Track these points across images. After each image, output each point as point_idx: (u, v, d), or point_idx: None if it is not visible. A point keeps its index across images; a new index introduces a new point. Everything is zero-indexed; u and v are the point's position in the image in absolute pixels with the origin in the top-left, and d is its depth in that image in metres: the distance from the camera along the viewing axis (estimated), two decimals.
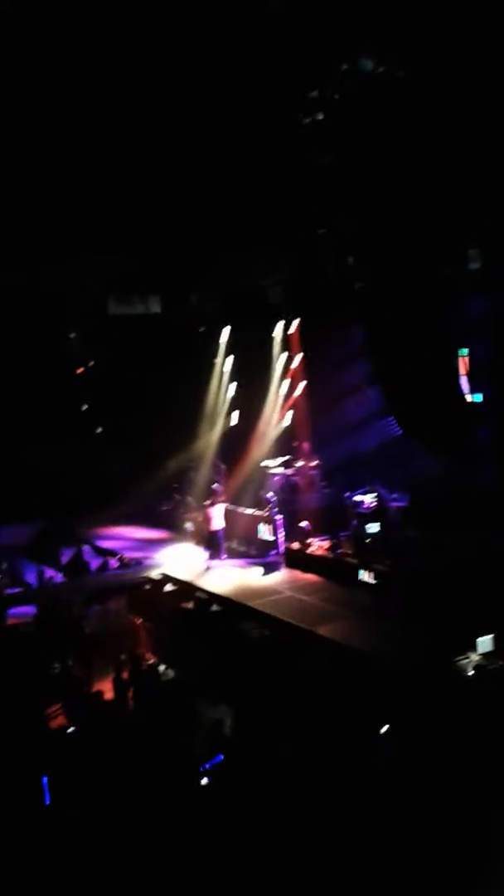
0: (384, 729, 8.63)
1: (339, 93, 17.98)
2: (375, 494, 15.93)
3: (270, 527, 17.46)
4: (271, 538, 17.41)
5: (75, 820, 7.26)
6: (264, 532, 17.58)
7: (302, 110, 18.78)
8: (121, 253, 20.91)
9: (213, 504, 18.28)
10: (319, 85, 18.03)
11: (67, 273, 21.14)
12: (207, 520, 18.34)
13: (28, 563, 19.37)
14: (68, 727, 10.37)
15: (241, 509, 18.60)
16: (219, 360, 22.54)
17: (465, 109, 15.83)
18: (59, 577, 18.52)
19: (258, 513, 18.10)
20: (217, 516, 18.22)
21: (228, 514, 18.60)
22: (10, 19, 12.83)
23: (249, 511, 18.48)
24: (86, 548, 19.53)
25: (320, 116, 18.91)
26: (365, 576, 14.58)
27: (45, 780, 7.49)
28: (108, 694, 11.46)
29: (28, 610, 16.06)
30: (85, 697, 11.61)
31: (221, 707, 10.75)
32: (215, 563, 17.84)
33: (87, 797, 7.65)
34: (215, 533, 18.22)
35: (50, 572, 18.47)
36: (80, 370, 24.62)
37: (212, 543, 18.28)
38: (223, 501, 18.82)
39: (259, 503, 18.36)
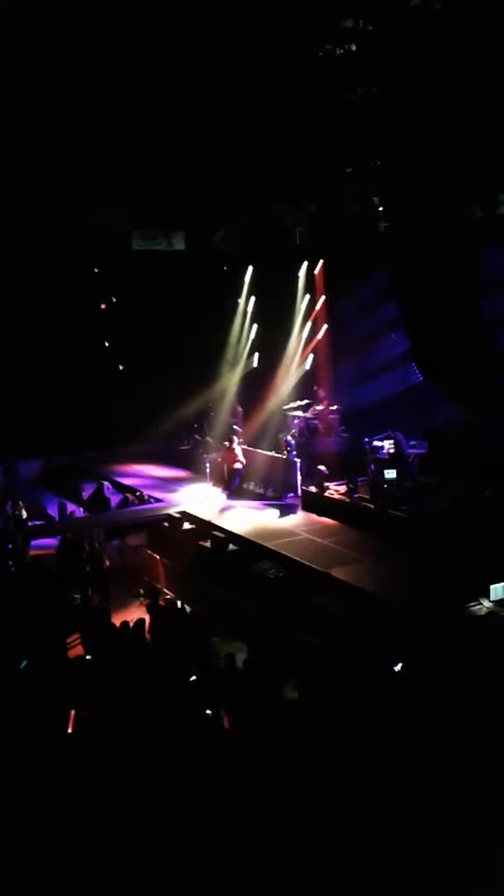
0: (398, 667, 8.89)
1: (373, 24, 17.37)
2: (393, 441, 15.99)
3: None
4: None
5: (93, 748, 7.56)
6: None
7: (334, 40, 18.18)
8: (145, 189, 20.67)
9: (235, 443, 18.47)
10: (353, 14, 17.40)
11: (92, 208, 20.98)
12: (233, 458, 18.49)
13: (50, 497, 19.76)
14: (85, 656, 10.75)
15: (259, 451, 18.74)
16: (242, 300, 22.37)
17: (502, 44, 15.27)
18: (79, 511, 18.90)
19: (276, 455, 18.23)
20: (239, 455, 18.41)
21: (246, 456, 18.77)
22: None
23: (268, 453, 18.61)
24: (106, 484, 19.84)
25: (353, 48, 18.29)
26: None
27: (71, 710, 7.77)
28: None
29: (50, 542, 16.45)
30: (103, 628, 11.98)
31: (235, 643, 11.09)
32: (230, 500, 18.07)
33: (103, 726, 7.96)
34: (238, 471, 18.44)
35: (71, 506, 18.86)
36: (102, 306, 24.60)
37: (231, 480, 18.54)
38: (241, 443, 18.97)
39: (278, 445, 18.48)
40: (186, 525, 16.69)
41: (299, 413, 19.48)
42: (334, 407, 18.96)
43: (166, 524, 17.11)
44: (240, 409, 20.67)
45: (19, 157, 18.11)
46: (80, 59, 16.09)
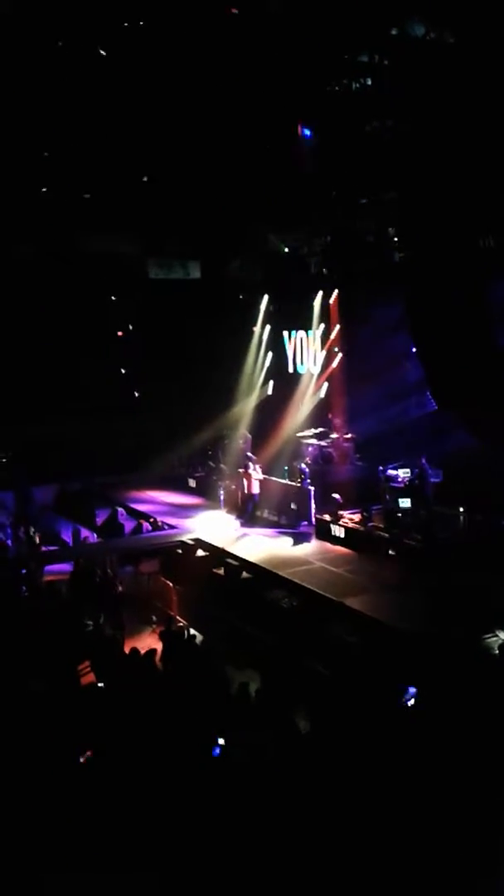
0: (411, 701, 8.76)
1: (388, 58, 17.62)
2: (417, 470, 15.89)
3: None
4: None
5: (103, 776, 7.49)
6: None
7: (350, 75, 18.45)
8: (162, 217, 20.94)
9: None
10: (368, 49, 17.68)
11: (109, 237, 21.27)
12: (248, 485, 18.46)
13: (64, 522, 19.79)
14: (97, 684, 10.68)
15: (273, 479, 18.72)
16: (257, 328, 22.51)
17: None
18: (93, 537, 18.92)
19: (291, 482, 18.21)
20: (255, 481, 18.36)
21: (261, 483, 18.75)
22: None
23: (282, 481, 18.59)
24: (120, 510, 19.87)
25: (368, 82, 18.56)
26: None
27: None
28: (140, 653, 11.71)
29: (63, 567, 16.46)
30: (116, 656, 11.91)
31: (248, 672, 10.99)
32: (244, 528, 18.01)
33: (113, 753, 7.89)
34: (252, 498, 18.38)
35: (85, 532, 18.88)
36: (119, 333, 24.84)
37: (245, 507, 18.46)
38: (259, 469, 18.93)
39: (292, 473, 18.46)
40: (200, 552, 16.66)
41: (314, 441, 19.49)
42: (349, 435, 18.95)
43: (180, 551, 17.08)
44: (248, 435, 20.71)
45: (32, 187, 18.41)
46: (94, 82, 16.29)
